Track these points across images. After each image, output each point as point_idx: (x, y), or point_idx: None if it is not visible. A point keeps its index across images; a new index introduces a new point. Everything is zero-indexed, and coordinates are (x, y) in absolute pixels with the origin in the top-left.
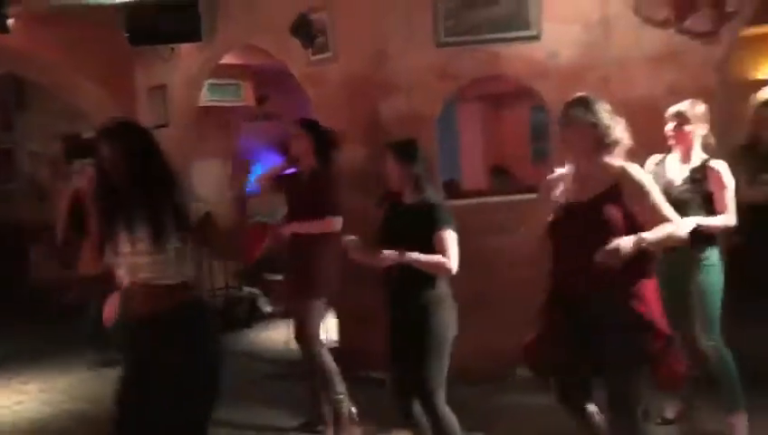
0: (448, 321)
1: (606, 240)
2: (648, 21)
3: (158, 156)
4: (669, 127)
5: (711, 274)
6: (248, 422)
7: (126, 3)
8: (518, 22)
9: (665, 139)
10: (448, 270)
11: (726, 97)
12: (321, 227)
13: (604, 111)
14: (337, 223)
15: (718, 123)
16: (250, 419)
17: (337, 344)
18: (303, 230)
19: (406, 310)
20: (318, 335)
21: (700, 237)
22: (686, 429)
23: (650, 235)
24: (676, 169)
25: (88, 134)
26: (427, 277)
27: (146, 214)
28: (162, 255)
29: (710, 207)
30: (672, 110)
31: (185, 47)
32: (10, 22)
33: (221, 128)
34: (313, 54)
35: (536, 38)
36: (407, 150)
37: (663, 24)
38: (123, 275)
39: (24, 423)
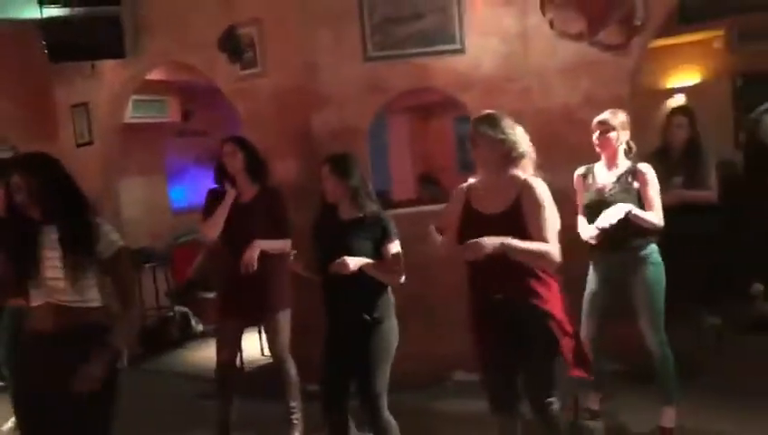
0: (395, 327)
1: None
2: (564, 35)
3: (71, 186)
4: (595, 136)
5: (655, 271)
6: None
7: (45, 18)
8: (443, 36)
9: (582, 144)
10: (398, 282)
11: (638, 105)
12: (284, 246)
13: (510, 127)
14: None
15: (631, 130)
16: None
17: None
18: (268, 247)
19: (354, 318)
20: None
21: (638, 235)
22: (610, 421)
23: (518, 243)
24: (605, 175)
25: (4, 154)
26: (379, 286)
27: (59, 242)
28: (72, 280)
29: (641, 207)
30: (596, 119)
31: (108, 63)
32: None
33: (147, 145)
34: (242, 69)
35: (461, 51)
36: (343, 164)
37: (577, 37)
38: (33, 297)
39: None
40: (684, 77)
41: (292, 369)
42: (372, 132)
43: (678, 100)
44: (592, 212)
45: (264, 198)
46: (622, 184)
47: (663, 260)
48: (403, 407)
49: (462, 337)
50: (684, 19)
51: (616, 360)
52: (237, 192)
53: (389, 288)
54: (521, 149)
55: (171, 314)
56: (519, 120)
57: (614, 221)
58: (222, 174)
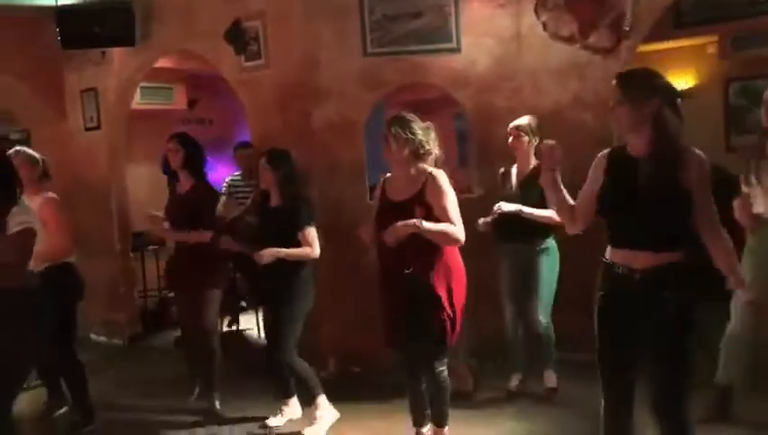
0: (308, 295)
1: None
2: (555, 37)
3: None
4: (510, 139)
5: (549, 262)
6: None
7: (59, 6)
8: (440, 35)
9: (570, 142)
10: (314, 259)
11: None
12: (199, 237)
13: (418, 128)
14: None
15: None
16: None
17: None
18: (181, 239)
19: (275, 289)
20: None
21: (538, 228)
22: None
23: (428, 225)
24: (517, 174)
25: (16, 134)
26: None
27: None
28: None
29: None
30: (512, 124)
31: (118, 51)
32: None
33: (153, 131)
34: (246, 61)
35: (457, 50)
36: (276, 158)
37: (568, 40)
38: None
39: None
40: (679, 81)
41: (215, 343)
42: (373, 127)
43: None
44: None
45: (196, 192)
46: (529, 182)
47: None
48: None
49: None
50: (679, 24)
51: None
52: (179, 185)
53: (308, 266)
54: (427, 147)
55: (172, 295)
56: (511, 117)
57: (502, 211)
58: (167, 167)
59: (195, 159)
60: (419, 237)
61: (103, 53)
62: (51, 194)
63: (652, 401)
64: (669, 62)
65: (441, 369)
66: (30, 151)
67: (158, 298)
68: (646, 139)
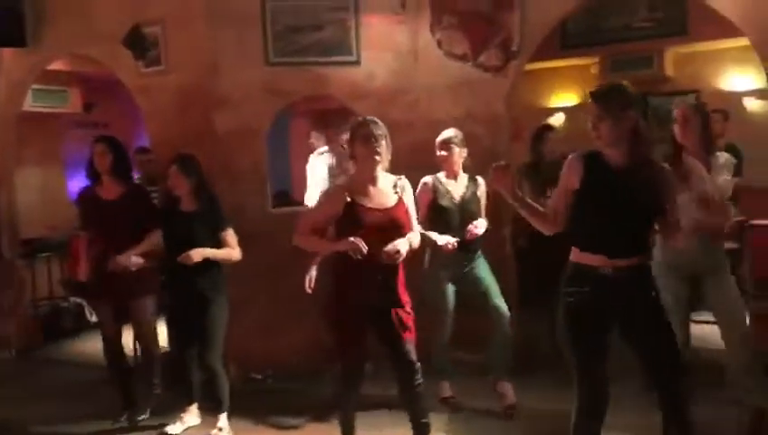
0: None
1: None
2: (449, 55)
3: None
4: (440, 152)
5: (486, 263)
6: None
7: None
8: (341, 47)
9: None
10: (238, 259)
11: (523, 121)
12: (157, 238)
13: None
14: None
15: (506, 144)
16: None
17: None
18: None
19: (203, 290)
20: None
21: (479, 239)
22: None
23: (417, 239)
24: (454, 185)
25: None
26: (214, 266)
27: None
28: None
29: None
30: (441, 138)
31: (8, 51)
32: None
33: (46, 134)
34: (146, 66)
35: (356, 63)
36: (188, 164)
37: (461, 58)
38: None
39: None
40: (565, 98)
41: (156, 349)
42: (275, 135)
43: (558, 118)
44: (448, 217)
45: (130, 195)
46: (471, 193)
47: (531, 257)
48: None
49: None
50: (565, 45)
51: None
52: (103, 191)
53: (221, 267)
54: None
55: (65, 304)
56: (408, 129)
57: (482, 231)
58: (92, 171)
59: (123, 163)
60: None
61: None
62: None
63: (653, 374)
64: (556, 80)
65: (419, 378)
66: None
67: (50, 307)
68: (624, 150)
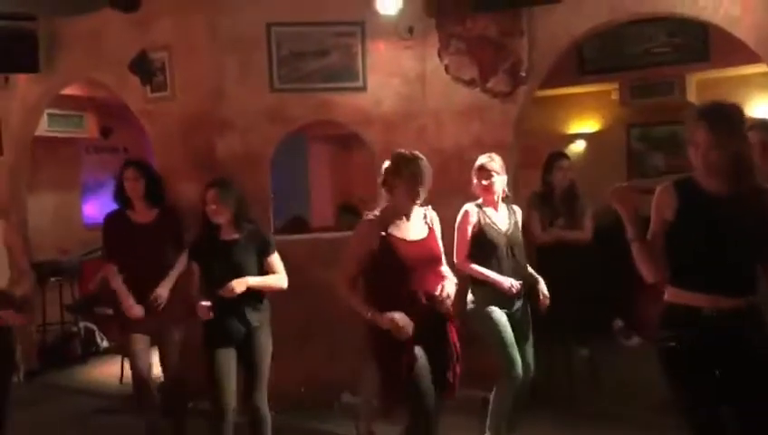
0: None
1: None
2: (457, 80)
3: None
4: (483, 180)
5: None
6: None
7: None
8: (347, 73)
9: (469, 180)
10: (285, 286)
11: (540, 148)
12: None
13: None
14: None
15: (513, 172)
16: None
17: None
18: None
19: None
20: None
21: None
22: None
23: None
24: (497, 216)
25: None
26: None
27: None
28: None
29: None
30: (483, 164)
31: (22, 76)
32: None
33: (61, 159)
34: (152, 92)
35: (363, 89)
36: (228, 188)
37: (469, 83)
38: None
39: None
40: (585, 124)
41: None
42: (292, 159)
43: (579, 145)
44: (495, 250)
45: (166, 219)
46: (515, 224)
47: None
48: (293, 427)
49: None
50: (584, 71)
51: None
52: (135, 215)
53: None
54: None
55: (75, 329)
56: None
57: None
58: (122, 196)
59: (156, 186)
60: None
61: (7, 78)
62: None
63: None
64: (575, 106)
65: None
66: None
67: (61, 332)
68: (725, 176)
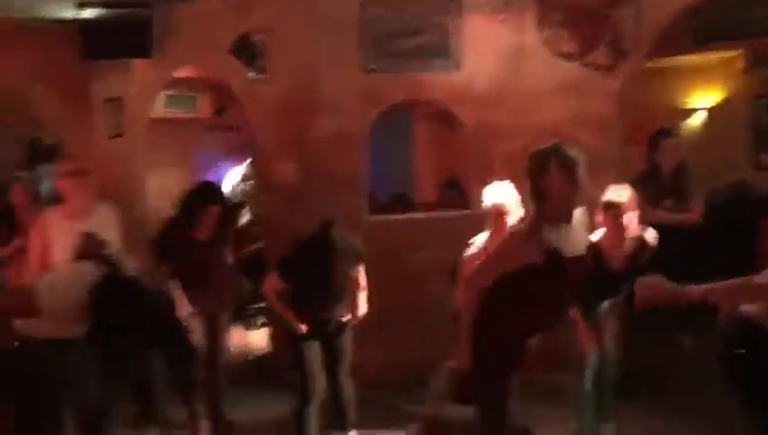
0: None
1: None
2: (556, 53)
3: None
4: (620, 218)
5: None
6: None
7: (82, 19)
8: (440, 51)
9: None
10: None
11: (654, 122)
12: None
13: None
14: None
15: (616, 149)
16: None
17: None
18: None
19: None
20: None
21: None
22: None
23: None
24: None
25: (49, 141)
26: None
27: None
28: None
29: None
30: (609, 199)
31: (139, 61)
32: None
33: (177, 139)
34: (252, 75)
35: (456, 67)
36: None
37: (569, 56)
38: None
39: None
40: (703, 96)
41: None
42: (395, 135)
43: (697, 119)
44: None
45: (222, 241)
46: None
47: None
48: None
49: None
50: (700, 40)
51: None
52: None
53: None
54: None
55: None
56: (509, 135)
57: None
58: (191, 221)
59: (228, 216)
60: None
61: (125, 62)
62: None
63: None
64: (691, 77)
65: None
66: None
67: None
68: None
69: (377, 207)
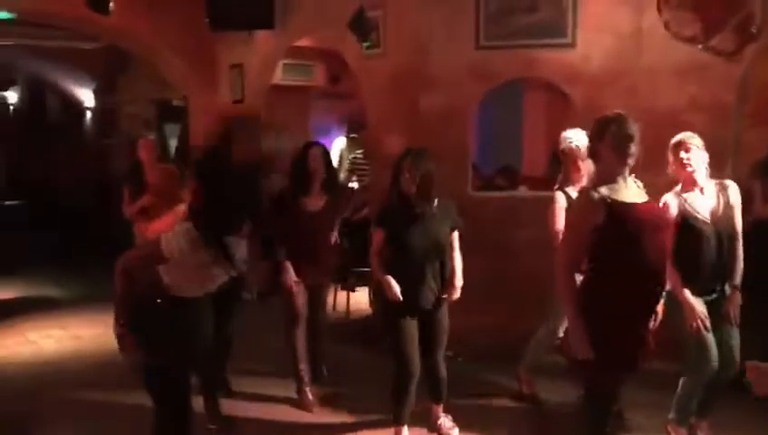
0: None
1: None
2: (677, 36)
3: None
4: (683, 153)
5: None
6: None
7: None
8: (555, 29)
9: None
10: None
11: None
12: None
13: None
14: None
15: (733, 136)
16: None
17: None
18: None
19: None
20: None
21: None
22: None
23: None
24: (700, 201)
25: (177, 101)
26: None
27: None
28: None
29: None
30: (674, 140)
31: (261, 32)
32: (111, 5)
33: (293, 105)
34: (367, 48)
35: (571, 45)
36: (422, 158)
37: (691, 40)
38: None
39: (36, 359)
40: None
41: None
42: (506, 107)
43: None
44: (699, 240)
45: (335, 210)
46: (725, 205)
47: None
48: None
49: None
50: None
51: None
52: (308, 201)
53: None
54: None
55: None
56: None
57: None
58: (302, 178)
59: (333, 174)
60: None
61: (250, 32)
62: None
63: None
64: None
65: None
66: None
67: None
68: None
69: (482, 181)
